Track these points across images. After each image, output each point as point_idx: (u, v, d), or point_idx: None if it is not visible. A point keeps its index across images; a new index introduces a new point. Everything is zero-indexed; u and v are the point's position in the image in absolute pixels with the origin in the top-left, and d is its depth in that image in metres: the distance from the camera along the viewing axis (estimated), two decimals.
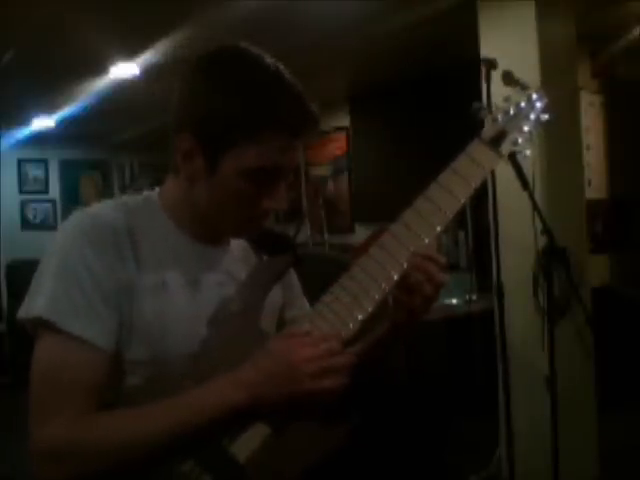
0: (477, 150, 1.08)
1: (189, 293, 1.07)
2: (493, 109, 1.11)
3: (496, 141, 1.08)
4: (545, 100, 1.10)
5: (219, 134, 1.01)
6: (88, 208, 1.07)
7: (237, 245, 1.20)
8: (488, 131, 1.09)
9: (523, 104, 1.10)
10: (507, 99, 1.11)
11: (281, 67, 1.04)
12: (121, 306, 1.01)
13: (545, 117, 1.10)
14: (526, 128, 1.09)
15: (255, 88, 1.01)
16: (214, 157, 1.02)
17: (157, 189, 1.15)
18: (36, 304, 0.98)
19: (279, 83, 1.02)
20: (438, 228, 1.07)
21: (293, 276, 1.28)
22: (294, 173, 1.08)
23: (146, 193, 1.14)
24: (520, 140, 1.09)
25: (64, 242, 1.02)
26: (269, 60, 1.04)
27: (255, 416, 0.97)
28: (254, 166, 1.01)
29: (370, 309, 1.04)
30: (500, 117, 1.09)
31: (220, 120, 1.00)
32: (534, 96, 1.10)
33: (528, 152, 1.10)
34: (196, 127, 1.02)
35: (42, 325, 0.98)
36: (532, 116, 1.09)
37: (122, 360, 1.02)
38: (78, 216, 1.05)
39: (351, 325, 1.02)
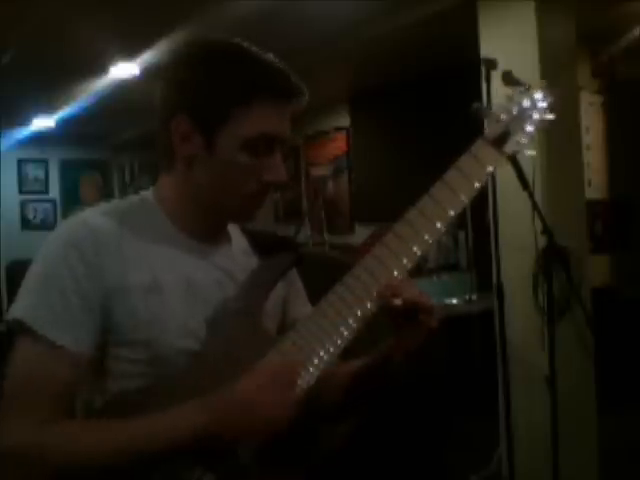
0: (481, 149, 1.07)
1: (185, 291, 1.07)
2: (496, 108, 1.10)
3: (500, 141, 1.07)
4: (549, 99, 1.09)
5: (214, 109, 1.04)
6: (80, 214, 1.08)
7: (237, 247, 1.20)
8: (492, 131, 1.08)
9: (526, 103, 1.08)
10: (510, 98, 1.10)
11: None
12: (110, 309, 1.01)
13: (549, 117, 1.08)
14: (529, 128, 1.08)
15: (239, 62, 1.05)
16: (212, 133, 1.05)
17: (151, 188, 1.15)
18: (17, 307, 1.01)
19: (259, 56, 1.07)
20: (440, 226, 1.07)
21: (297, 280, 1.28)
22: (289, 151, 1.10)
23: (142, 193, 1.15)
24: (523, 140, 1.08)
25: (51, 247, 1.04)
26: (238, 40, 1.10)
27: (214, 444, 0.96)
28: (252, 134, 1.04)
29: (372, 309, 1.04)
30: (503, 117, 1.08)
31: (212, 95, 1.04)
32: (537, 95, 1.09)
33: (529, 152, 1.09)
34: (190, 107, 1.05)
35: (21, 328, 0.99)
36: (535, 116, 1.08)
37: (116, 362, 1.02)
38: (68, 222, 1.07)
39: (351, 321, 1.03)
